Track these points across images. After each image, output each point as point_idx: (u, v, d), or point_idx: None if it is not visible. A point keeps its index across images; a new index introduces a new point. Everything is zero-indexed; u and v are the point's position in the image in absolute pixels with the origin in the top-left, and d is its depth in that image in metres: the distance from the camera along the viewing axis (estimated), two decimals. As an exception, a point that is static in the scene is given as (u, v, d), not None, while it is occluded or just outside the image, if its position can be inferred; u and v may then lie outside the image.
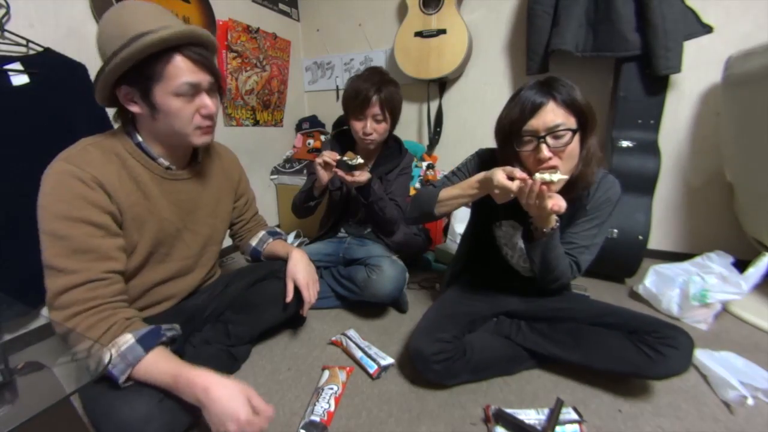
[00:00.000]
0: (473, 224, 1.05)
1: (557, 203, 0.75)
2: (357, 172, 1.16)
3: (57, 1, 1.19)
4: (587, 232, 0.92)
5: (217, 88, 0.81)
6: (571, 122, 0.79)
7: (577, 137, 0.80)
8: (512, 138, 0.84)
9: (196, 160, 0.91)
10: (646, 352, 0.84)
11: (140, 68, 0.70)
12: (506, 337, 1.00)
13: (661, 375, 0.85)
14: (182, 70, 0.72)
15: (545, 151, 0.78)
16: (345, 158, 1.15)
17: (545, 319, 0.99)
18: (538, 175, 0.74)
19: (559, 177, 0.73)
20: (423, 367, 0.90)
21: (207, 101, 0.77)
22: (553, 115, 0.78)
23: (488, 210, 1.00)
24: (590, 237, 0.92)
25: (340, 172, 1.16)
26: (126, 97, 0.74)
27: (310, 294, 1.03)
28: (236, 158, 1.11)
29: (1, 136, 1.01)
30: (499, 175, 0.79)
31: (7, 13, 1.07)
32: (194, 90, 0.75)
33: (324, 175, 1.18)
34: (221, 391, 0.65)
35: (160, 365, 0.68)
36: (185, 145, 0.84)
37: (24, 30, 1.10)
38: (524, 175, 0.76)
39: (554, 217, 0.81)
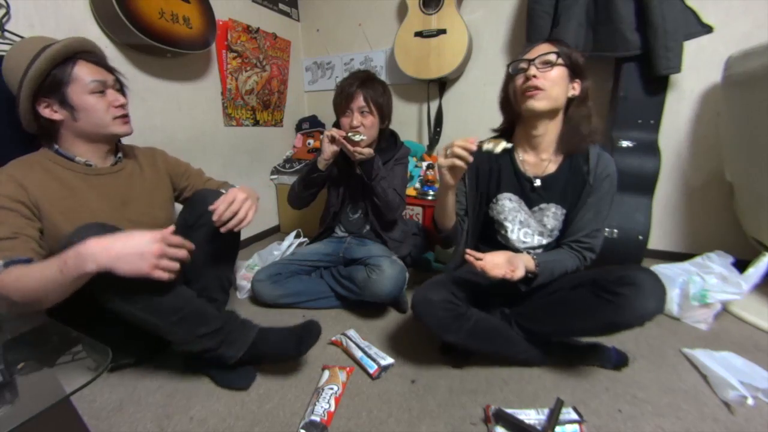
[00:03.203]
0: (473, 214, 1.07)
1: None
2: (359, 147, 1.22)
3: (57, 1, 1.19)
4: (597, 210, 0.95)
5: (121, 85, 0.95)
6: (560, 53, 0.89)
7: (564, 71, 0.90)
8: (511, 68, 0.95)
9: (117, 157, 0.99)
10: (606, 298, 0.82)
11: (52, 77, 0.83)
12: None
13: (629, 318, 0.81)
14: (87, 71, 0.86)
15: (532, 70, 0.88)
16: (349, 134, 1.22)
17: (528, 302, 1.01)
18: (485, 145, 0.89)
19: (503, 146, 0.86)
20: (428, 311, 0.90)
21: (117, 95, 0.91)
22: (546, 48, 0.90)
23: (483, 192, 1.04)
24: (602, 217, 0.96)
25: (344, 141, 1.22)
26: (46, 108, 0.85)
27: (230, 208, 0.89)
28: (155, 150, 1.14)
29: (2, 136, 1.01)
30: (439, 161, 0.89)
31: (7, 13, 1.07)
32: (103, 86, 0.88)
33: (327, 149, 1.25)
34: (120, 239, 0.70)
35: (36, 266, 0.70)
36: (107, 138, 0.93)
37: (24, 30, 1.10)
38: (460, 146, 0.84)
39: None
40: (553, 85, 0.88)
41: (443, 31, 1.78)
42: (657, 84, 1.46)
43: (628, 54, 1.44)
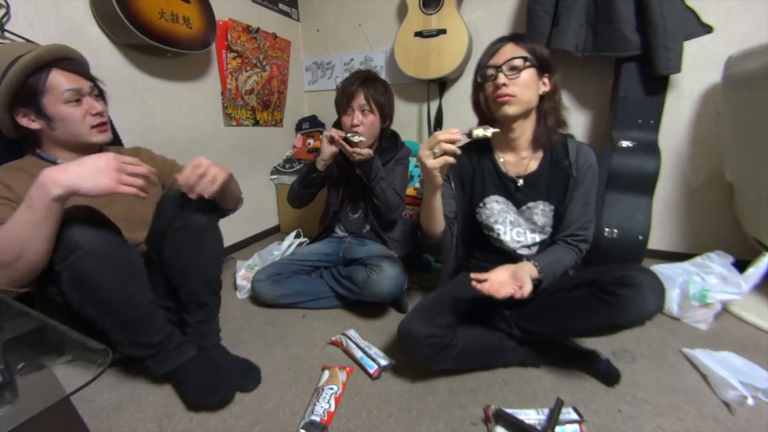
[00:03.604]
0: (462, 219, 1.06)
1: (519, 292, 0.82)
2: (358, 148, 1.22)
3: (57, 1, 1.19)
4: (586, 201, 0.95)
5: (99, 91, 0.95)
6: (527, 56, 0.89)
7: (533, 72, 0.89)
8: (479, 76, 0.95)
9: None
10: (605, 299, 0.81)
11: (26, 88, 0.83)
12: (491, 327, 1.01)
13: (629, 319, 0.80)
14: (61, 80, 0.85)
15: (501, 78, 0.88)
16: (348, 135, 1.22)
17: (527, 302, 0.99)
18: (475, 131, 0.84)
19: (492, 131, 0.83)
20: (412, 347, 0.90)
21: (93, 103, 0.90)
22: (511, 52, 0.89)
23: (469, 197, 1.03)
24: (591, 207, 0.96)
25: (345, 144, 1.21)
26: (24, 117, 0.86)
27: (195, 173, 0.81)
28: (140, 149, 1.13)
29: (2, 138, 1.01)
30: (427, 162, 0.81)
31: (7, 13, 1.07)
32: (78, 95, 0.87)
33: (326, 149, 1.26)
34: (74, 163, 0.70)
35: (9, 220, 0.69)
36: (87, 146, 0.93)
37: (24, 30, 1.10)
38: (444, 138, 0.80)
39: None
40: (523, 89, 0.88)
41: (443, 31, 1.78)
42: (657, 84, 1.46)
43: (628, 54, 1.43)
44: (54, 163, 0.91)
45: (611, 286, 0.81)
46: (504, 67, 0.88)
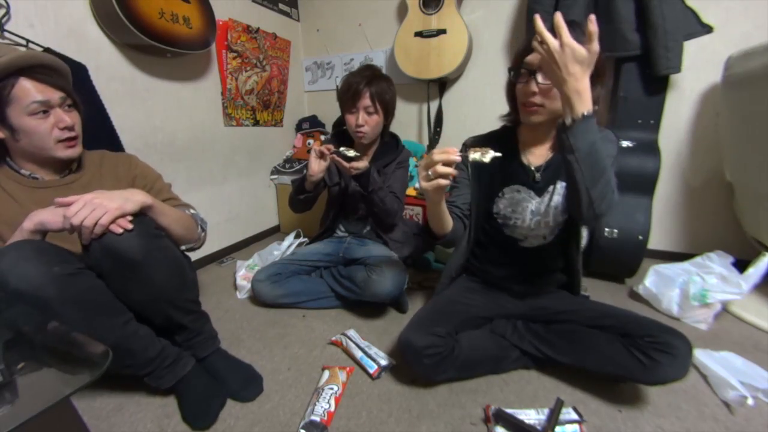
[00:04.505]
0: (476, 210, 1.03)
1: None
2: (354, 162, 1.18)
3: (57, 1, 1.19)
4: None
5: (73, 103, 0.89)
6: None
7: None
8: (514, 70, 0.87)
9: (68, 170, 0.94)
10: (639, 358, 0.82)
11: None
12: (501, 336, 1.00)
13: (654, 381, 0.83)
14: (29, 90, 0.80)
15: (532, 86, 0.82)
16: (341, 149, 1.17)
17: (542, 321, 0.99)
18: (471, 155, 0.75)
19: (491, 156, 0.75)
20: (413, 359, 0.90)
21: (62, 116, 0.85)
22: None
23: (486, 187, 1.01)
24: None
25: (338, 158, 1.17)
26: None
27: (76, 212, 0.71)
28: (132, 161, 1.05)
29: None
30: (421, 183, 0.78)
31: (7, 13, 1.07)
32: (45, 106, 0.82)
33: (315, 165, 1.21)
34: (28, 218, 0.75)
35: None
36: (52, 160, 0.88)
37: (24, 30, 1.10)
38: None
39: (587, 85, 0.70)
40: (553, 100, 0.82)
41: (443, 31, 1.78)
42: (657, 84, 1.46)
43: (628, 54, 1.43)
44: (18, 172, 0.87)
45: (649, 348, 0.81)
46: (538, 75, 0.81)
